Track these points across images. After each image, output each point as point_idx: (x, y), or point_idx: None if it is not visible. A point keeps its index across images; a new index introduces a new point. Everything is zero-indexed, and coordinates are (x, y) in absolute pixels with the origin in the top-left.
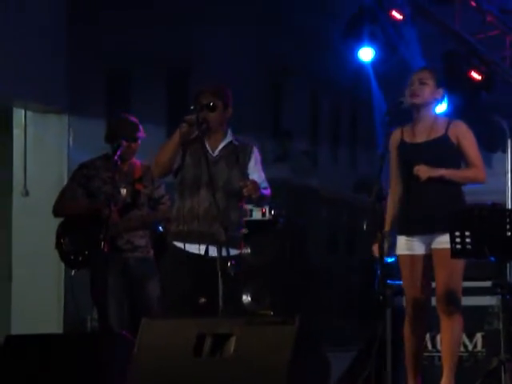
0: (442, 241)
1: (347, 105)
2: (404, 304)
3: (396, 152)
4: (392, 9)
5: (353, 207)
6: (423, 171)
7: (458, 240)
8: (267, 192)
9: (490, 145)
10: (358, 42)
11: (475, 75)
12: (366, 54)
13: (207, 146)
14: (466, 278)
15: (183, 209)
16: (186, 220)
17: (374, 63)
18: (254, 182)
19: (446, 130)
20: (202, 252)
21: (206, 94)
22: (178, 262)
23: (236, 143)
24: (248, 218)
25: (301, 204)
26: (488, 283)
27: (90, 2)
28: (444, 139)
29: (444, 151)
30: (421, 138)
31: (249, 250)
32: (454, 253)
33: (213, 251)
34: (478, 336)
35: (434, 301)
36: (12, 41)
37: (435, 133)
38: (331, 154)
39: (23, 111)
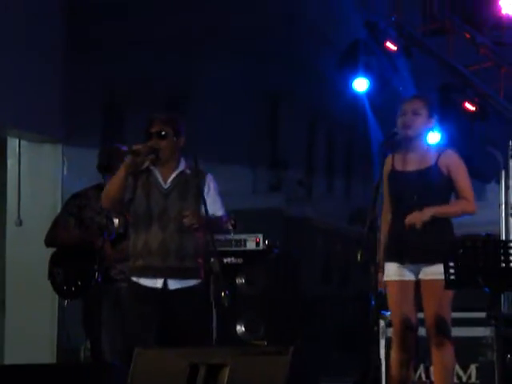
0: (430, 271)
1: (342, 135)
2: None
3: (387, 180)
4: (386, 40)
5: (347, 237)
6: (416, 218)
7: (451, 271)
8: (223, 219)
9: (484, 176)
10: (353, 72)
11: (469, 106)
12: (361, 84)
13: (159, 176)
14: (460, 309)
15: (138, 243)
16: (142, 255)
17: (370, 94)
18: (193, 212)
19: (437, 160)
20: (160, 285)
21: (157, 122)
22: (138, 298)
23: (188, 172)
24: (242, 248)
25: (295, 234)
26: (482, 314)
27: (87, 33)
28: (434, 169)
29: (433, 181)
30: (411, 167)
31: (243, 280)
32: (448, 284)
33: (173, 284)
34: (473, 367)
35: (423, 331)
36: (7, 70)
37: (426, 163)
38: (326, 184)
39: (17, 140)
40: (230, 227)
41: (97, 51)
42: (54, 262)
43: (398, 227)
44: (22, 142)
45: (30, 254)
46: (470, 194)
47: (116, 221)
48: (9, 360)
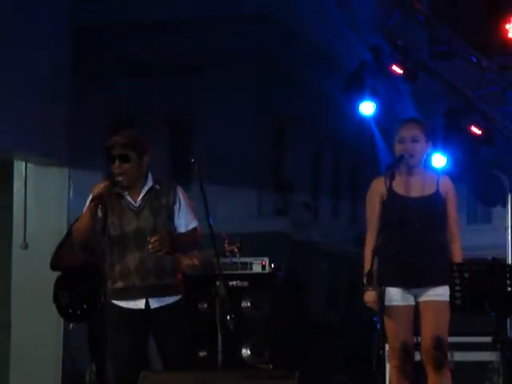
0: (430, 294)
1: (348, 158)
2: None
3: (380, 202)
4: (392, 64)
5: (353, 261)
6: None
7: (457, 295)
8: (193, 235)
9: (490, 200)
10: (359, 95)
11: (475, 130)
12: (367, 108)
13: (128, 197)
14: (466, 333)
15: (115, 266)
16: (121, 276)
17: (376, 117)
18: (158, 238)
19: (438, 185)
20: (142, 306)
21: (117, 146)
22: (121, 321)
23: (158, 187)
24: (248, 272)
25: (301, 257)
26: (488, 339)
27: (92, 57)
28: (437, 196)
29: (438, 207)
30: (415, 192)
31: (248, 304)
32: (454, 307)
33: (154, 303)
34: None
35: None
36: (13, 93)
37: (428, 189)
38: (332, 207)
39: (24, 163)
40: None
41: (102, 75)
42: (60, 285)
43: (397, 251)
44: (29, 165)
45: (36, 277)
46: (456, 226)
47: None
48: (14, 383)
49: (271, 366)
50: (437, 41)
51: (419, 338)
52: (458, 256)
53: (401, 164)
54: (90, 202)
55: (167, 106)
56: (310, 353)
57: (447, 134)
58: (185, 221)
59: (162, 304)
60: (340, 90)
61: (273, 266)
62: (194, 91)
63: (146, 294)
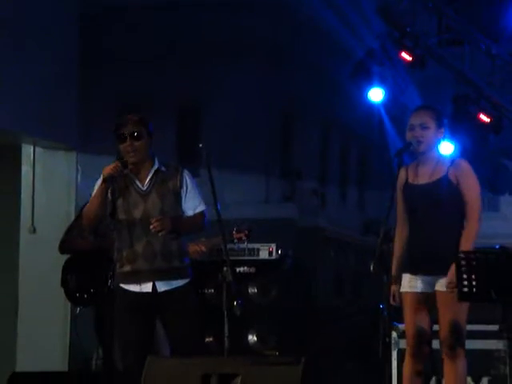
0: (443, 282)
1: (356, 145)
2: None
3: (401, 193)
4: (401, 50)
5: (360, 248)
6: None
7: (465, 283)
8: (197, 218)
9: (498, 187)
10: (368, 82)
11: (484, 118)
12: (376, 94)
13: (135, 179)
14: (472, 322)
15: (123, 249)
16: (128, 260)
17: (386, 103)
18: (159, 219)
19: (447, 170)
20: (149, 289)
21: (129, 124)
22: (128, 305)
23: (164, 169)
24: (255, 258)
25: (308, 244)
26: (495, 327)
27: (101, 42)
28: (444, 180)
29: (443, 193)
30: (423, 179)
31: (255, 290)
32: (461, 296)
33: (162, 286)
34: (485, 380)
35: (437, 344)
36: (22, 77)
37: (437, 174)
38: (339, 194)
39: (32, 147)
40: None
41: (111, 60)
42: (68, 268)
43: (412, 239)
44: (37, 149)
45: (44, 262)
46: (475, 211)
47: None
48: (21, 367)
49: (277, 353)
50: (446, 28)
51: (437, 326)
52: (464, 244)
53: (407, 151)
54: (101, 183)
55: (176, 91)
56: (316, 339)
57: (455, 121)
58: (192, 204)
59: (169, 287)
60: (348, 77)
61: (280, 252)
62: (202, 77)
63: (153, 277)
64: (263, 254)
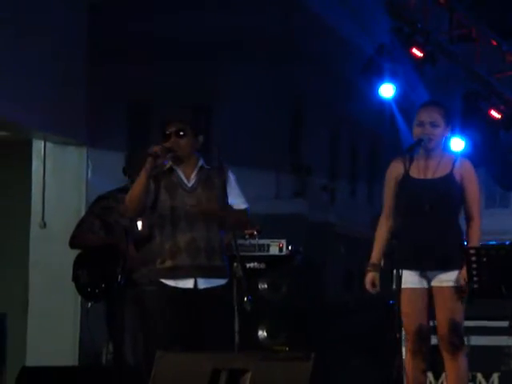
0: (443, 279)
1: (366, 140)
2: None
3: (396, 184)
4: (413, 46)
5: (370, 244)
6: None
7: (475, 279)
8: (245, 212)
9: (509, 184)
10: (379, 78)
11: (495, 114)
12: (387, 90)
13: (181, 175)
14: (482, 318)
15: (165, 244)
16: (170, 255)
17: (397, 99)
18: (208, 204)
19: (452, 168)
20: (191, 285)
21: (174, 122)
22: (168, 300)
23: (208, 167)
24: (265, 253)
25: (318, 239)
26: (505, 323)
27: (112, 36)
28: (450, 177)
29: (448, 190)
30: (428, 174)
31: (265, 285)
32: (471, 292)
33: (202, 283)
34: (495, 376)
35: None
36: (32, 73)
37: (441, 171)
38: (349, 189)
39: (43, 143)
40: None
41: (121, 54)
42: (79, 263)
43: (411, 234)
44: (48, 144)
45: (54, 256)
46: (477, 210)
47: (140, 223)
48: (31, 361)
49: (287, 348)
50: (457, 24)
51: (435, 322)
52: (473, 242)
53: (419, 147)
54: (146, 158)
55: (187, 87)
56: (326, 335)
57: (466, 117)
58: (236, 201)
59: (210, 285)
60: (359, 73)
61: (290, 247)
62: (213, 74)
63: (195, 273)
64: (273, 250)
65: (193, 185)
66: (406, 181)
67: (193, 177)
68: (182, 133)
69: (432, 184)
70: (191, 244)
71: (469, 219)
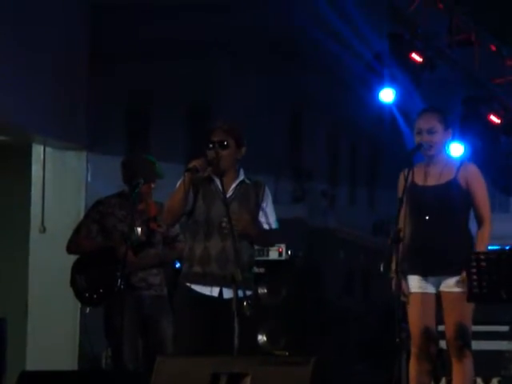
0: (452, 284)
1: (366, 145)
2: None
3: (405, 193)
4: (412, 51)
5: (370, 249)
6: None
7: (475, 284)
8: (274, 233)
9: (509, 189)
10: (378, 82)
11: (494, 119)
12: (387, 94)
13: (220, 186)
14: (483, 322)
15: (196, 250)
16: (200, 262)
17: (397, 103)
18: (243, 218)
19: (456, 173)
20: (216, 294)
21: (219, 132)
22: (192, 304)
23: (248, 182)
24: (265, 258)
25: (318, 244)
26: (505, 328)
27: (111, 40)
28: (453, 183)
29: (453, 195)
30: (432, 181)
31: (265, 290)
32: (471, 297)
33: (227, 293)
34: (495, 381)
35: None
36: (32, 77)
37: (446, 176)
38: (349, 194)
39: (42, 147)
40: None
41: (121, 59)
42: (77, 269)
43: (418, 240)
44: (47, 149)
45: (53, 261)
46: (487, 212)
47: (138, 229)
48: (30, 366)
49: (287, 353)
50: (456, 29)
51: (444, 327)
52: (480, 245)
53: (418, 152)
54: (185, 174)
55: (186, 91)
56: (325, 339)
57: (466, 122)
58: (267, 220)
59: (237, 295)
60: (358, 77)
61: (289, 252)
62: (212, 76)
63: (222, 282)
64: (273, 255)
65: (230, 196)
66: (411, 188)
67: (231, 189)
68: (225, 143)
69: (437, 190)
70: (222, 253)
71: (479, 223)
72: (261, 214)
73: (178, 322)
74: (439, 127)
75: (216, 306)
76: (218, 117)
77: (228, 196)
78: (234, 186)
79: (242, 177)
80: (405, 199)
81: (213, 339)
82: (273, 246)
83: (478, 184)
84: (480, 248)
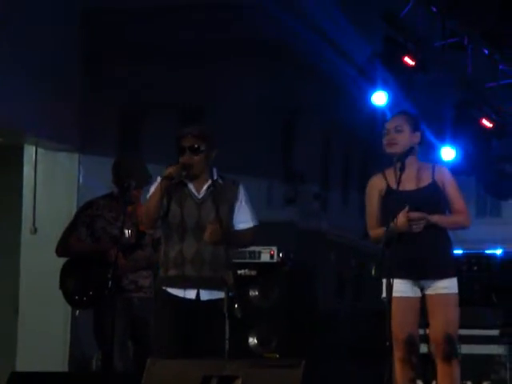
0: (436, 286)
1: (358, 148)
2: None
3: (380, 198)
4: (405, 55)
5: (361, 252)
6: (417, 216)
7: (466, 288)
8: (247, 233)
9: (500, 193)
10: (371, 86)
11: (486, 123)
12: (380, 98)
13: (192, 188)
14: (473, 326)
15: (171, 253)
16: (175, 264)
17: (390, 107)
18: (214, 229)
19: (433, 176)
20: (193, 296)
21: (189, 137)
22: (168, 307)
23: (221, 182)
24: (256, 261)
25: (309, 247)
26: (496, 332)
27: (104, 44)
28: (433, 186)
29: (434, 198)
30: (409, 185)
31: (256, 292)
32: (462, 300)
33: (205, 295)
34: None
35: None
36: (25, 78)
37: (423, 180)
38: (341, 197)
39: (34, 148)
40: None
41: (113, 62)
42: (66, 271)
43: (403, 244)
44: (39, 150)
45: (45, 262)
46: (463, 207)
47: (128, 232)
48: (21, 367)
49: (278, 355)
50: (449, 33)
51: (426, 330)
52: (443, 217)
53: (405, 157)
54: (160, 181)
55: (178, 93)
56: (316, 342)
57: (458, 126)
58: (244, 218)
59: (213, 297)
60: (351, 80)
61: (281, 255)
62: (204, 80)
63: (199, 285)
64: (264, 257)
65: (202, 197)
66: (388, 194)
67: (203, 189)
68: (196, 148)
69: (415, 195)
70: (196, 256)
71: (456, 214)
72: (237, 212)
73: (155, 325)
74: (406, 127)
75: (194, 309)
76: (208, 119)
77: (200, 197)
78: (205, 186)
79: (214, 176)
80: (377, 204)
81: (191, 342)
82: (252, 244)
83: (451, 183)
84: (445, 218)
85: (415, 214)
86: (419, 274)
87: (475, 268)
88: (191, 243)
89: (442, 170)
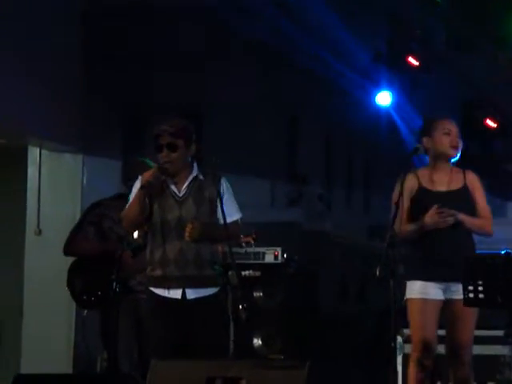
0: (458, 291)
1: (362, 149)
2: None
3: (411, 197)
4: (409, 55)
5: (365, 252)
6: (447, 211)
7: (470, 288)
8: (231, 227)
9: (505, 194)
10: (374, 86)
11: (491, 123)
12: (384, 98)
13: (173, 186)
14: (478, 327)
15: (156, 253)
16: (160, 264)
17: (394, 107)
18: (193, 226)
19: (464, 180)
20: (179, 296)
21: (165, 135)
22: (155, 308)
23: (202, 178)
24: (260, 261)
25: (313, 248)
26: (500, 332)
27: (108, 45)
28: (465, 190)
29: (465, 201)
30: (441, 186)
31: (261, 293)
32: (467, 302)
33: (192, 294)
34: None
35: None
36: (29, 80)
37: (456, 183)
38: (345, 198)
39: (38, 149)
40: (243, 239)
41: (116, 63)
42: (74, 271)
43: (426, 245)
44: (43, 151)
45: (49, 264)
46: (489, 215)
47: (136, 232)
48: (25, 369)
49: (282, 356)
50: (453, 32)
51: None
52: (468, 217)
53: (416, 155)
54: (140, 188)
55: (179, 95)
56: (321, 343)
57: (462, 126)
58: (228, 212)
59: (199, 295)
60: (354, 81)
61: (285, 256)
62: (206, 80)
63: (184, 284)
64: (269, 258)
65: (183, 195)
66: (420, 193)
67: (184, 187)
68: (174, 145)
69: (448, 196)
70: (180, 254)
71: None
72: (219, 207)
73: (146, 326)
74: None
75: (181, 308)
76: (211, 122)
77: (181, 195)
78: (186, 183)
79: (195, 173)
80: (402, 203)
81: (187, 340)
82: (238, 237)
83: (481, 191)
84: (473, 220)
85: (445, 209)
86: (440, 277)
87: (480, 268)
88: (174, 243)
89: (472, 175)
